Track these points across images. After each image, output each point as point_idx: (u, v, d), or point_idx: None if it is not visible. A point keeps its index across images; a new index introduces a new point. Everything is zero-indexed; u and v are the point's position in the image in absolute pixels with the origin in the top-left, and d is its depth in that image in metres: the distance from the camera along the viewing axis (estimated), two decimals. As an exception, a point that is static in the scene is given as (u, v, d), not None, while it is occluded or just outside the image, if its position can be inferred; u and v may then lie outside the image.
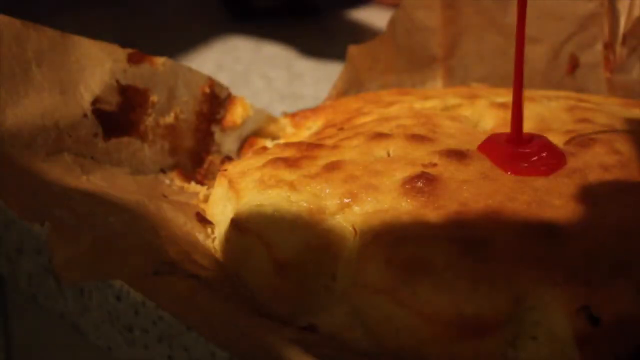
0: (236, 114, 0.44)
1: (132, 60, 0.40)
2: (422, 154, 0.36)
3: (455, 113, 0.42)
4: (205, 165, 0.42)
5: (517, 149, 0.36)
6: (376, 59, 0.50)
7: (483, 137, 0.37)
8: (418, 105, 0.44)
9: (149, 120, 0.40)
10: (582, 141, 0.37)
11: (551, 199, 0.33)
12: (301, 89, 0.61)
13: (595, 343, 0.29)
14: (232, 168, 0.38)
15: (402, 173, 0.35)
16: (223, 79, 0.44)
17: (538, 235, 0.31)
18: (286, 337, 0.29)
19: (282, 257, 0.33)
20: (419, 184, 0.34)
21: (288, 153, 0.38)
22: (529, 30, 0.49)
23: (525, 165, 0.35)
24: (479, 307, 0.29)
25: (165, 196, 0.38)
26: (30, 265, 0.43)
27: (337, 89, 0.49)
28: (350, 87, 0.49)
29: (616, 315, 0.29)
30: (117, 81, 0.39)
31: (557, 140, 0.37)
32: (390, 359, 0.30)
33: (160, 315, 0.36)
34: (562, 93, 0.46)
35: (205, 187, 0.41)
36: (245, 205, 0.35)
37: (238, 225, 0.35)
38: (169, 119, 0.41)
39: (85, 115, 0.38)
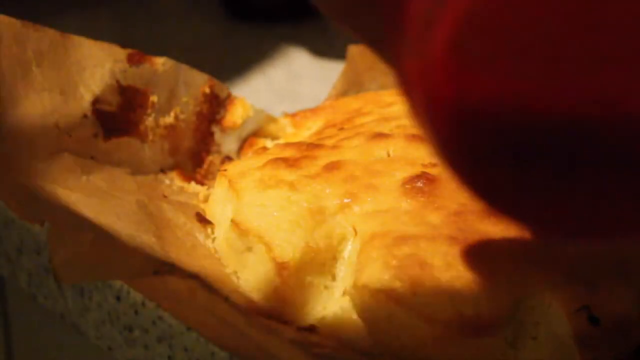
0: (236, 114, 0.44)
1: (132, 60, 0.40)
2: (422, 154, 0.36)
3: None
4: (205, 165, 0.42)
5: None
6: (376, 59, 0.50)
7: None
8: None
9: (149, 120, 0.40)
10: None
11: (551, 199, 0.33)
12: (301, 89, 0.61)
13: (595, 343, 0.29)
14: (232, 168, 0.38)
15: (402, 173, 0.35)
16: (223, 78, 0.44)
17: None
18: (286, 337, 0.29)
19: (282, 257, 0.33)
20: (419, 184, 0.34)
21: (288, 153, 0.38)
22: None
23: None
24: (479, 307, 0.29)
25: (165, 196, 0.38)
26: (30, 265, 0.43)
27: (337, 89, 0.49)
28: (350, 87, 0.49)
29: (616, 316, 0.29)
30: (117, 81, 0.39)
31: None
32: (390, 359, 0.30)
33: (160, 315, 0.36)
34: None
35: (205, 187, 0.41)
36: (245, 206, 0.35)
37: (238, 225, 0.35)
38: (169, 119, 0.41)
39: (85, 116, 0.38)
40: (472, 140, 0.22)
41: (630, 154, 0.21)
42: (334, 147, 0.38)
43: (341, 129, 0.41)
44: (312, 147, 0.38)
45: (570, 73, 0.21)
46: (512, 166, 0.22)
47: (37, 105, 0.36)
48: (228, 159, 0.43)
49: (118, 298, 0.38)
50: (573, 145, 0.21)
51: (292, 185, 0.35)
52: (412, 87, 0.22)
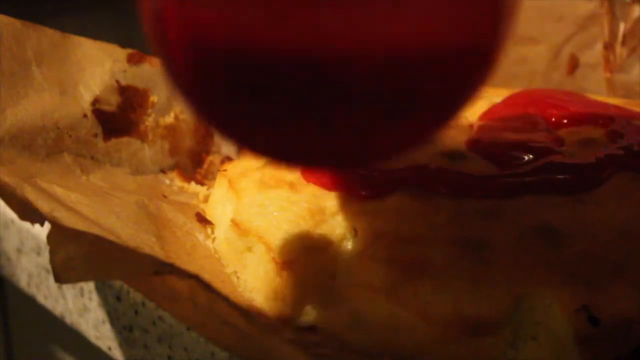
0: (236, 114, 0.44)
1: (132, 60, 0.40)
2: (422, 154, 0.36)
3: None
4: (205, 166, 0.42)
5: None
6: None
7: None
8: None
9: (149, 120, 0.40)
10: (582, 141, 0.37)
11: (551, 199, 0.33)
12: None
13: (595, 343, 0.29)
14: (232, 168, 0.38)
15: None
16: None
17: (538, 235, 0.31)
18: (286, 337, 0.29)
19: (282, 257, 0.33)
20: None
21: (288, 153, 0.38)
22: (529, 31, 0.49)
23: None
24: (479, 308, 0.29)
25: (165, 196, 0.38)
26: (30, 265, 0.43)
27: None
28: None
29: (616, 316, 0.29)
30: (117, 81, 0.39)
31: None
32: (390, 359, 0.30)
33: (160, 315, 0.36)
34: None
35: (205, 187, 0.41)
36: (245, 206, 0.35)
37: (238, 225, 0.35)
38: (169, 119, 0.41)
39: (85, 115, 0.38)
40: (203, 72, 0.23)
41: (355, 90, 0.22)
42: (334, 147, 0.38)
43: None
44: (312, 147, 0.38)
45: (277, 10, 0.21)
46: (247, 99, 0.23)
47: (37, 105, 0.36)
48: (228, 159, 0.43)
49: (118, 298, 0.38)
50: (302, 80, 0.22)
51: (292, 185, 0.35)
52: (143, 13, 0.23)
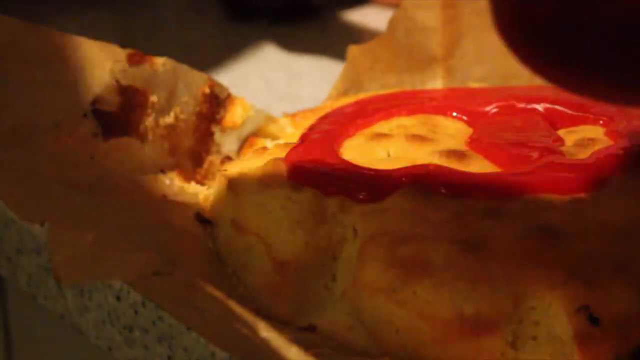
0: (236, 114, 0.44)
1: (132, 60, 0.40)
2: (422, 154, 0.36)
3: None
4: (205, 165, 0.42)
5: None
6: (376, 59, 0.50)
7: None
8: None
9: (149, 121, 0.40)
10: (582, 141, 0.37)
11: (551, 199, 0.33)
12: (301, 90, 0.61)
13: (595, 343, 0.29)
14: (232, 168, 0.38)
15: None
16: (223, 79, 0.44)
17: (538, 235, 0.31)
18: (286, 337, 0.29)
19: (282, 257, 0.33)
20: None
21: (288, 153, 0.38)
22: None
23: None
24: (479, 307, 0.29)
25: (165, 196, 0.38)
26: (30, 265, 0.43)
27: (337, 89, 0.49)
28: (350, 87, 0.49)
29: (616, 315, 0.29)
30: (117, 81, 0.39)
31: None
32: (390, 359, 0.30)
33: (160, 315, 0.36)
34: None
35: (205, 187, 0.41)
36: (245, 206, 0.35)
37: (238, 225, 0.35)
38: (169, 119, 0.41)
39: (85, 115, 0.38)
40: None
41: None
42: (334, 147, 0.38)
43: (341, 129, 0.41)
44: (312, 147, 0.38)
45: None
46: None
47: (36, 105, 0.36)
48: (228, 159, 0.43)
49: (118, 298, 0.38)
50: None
51: (292, 185, 0.35)
52: None
